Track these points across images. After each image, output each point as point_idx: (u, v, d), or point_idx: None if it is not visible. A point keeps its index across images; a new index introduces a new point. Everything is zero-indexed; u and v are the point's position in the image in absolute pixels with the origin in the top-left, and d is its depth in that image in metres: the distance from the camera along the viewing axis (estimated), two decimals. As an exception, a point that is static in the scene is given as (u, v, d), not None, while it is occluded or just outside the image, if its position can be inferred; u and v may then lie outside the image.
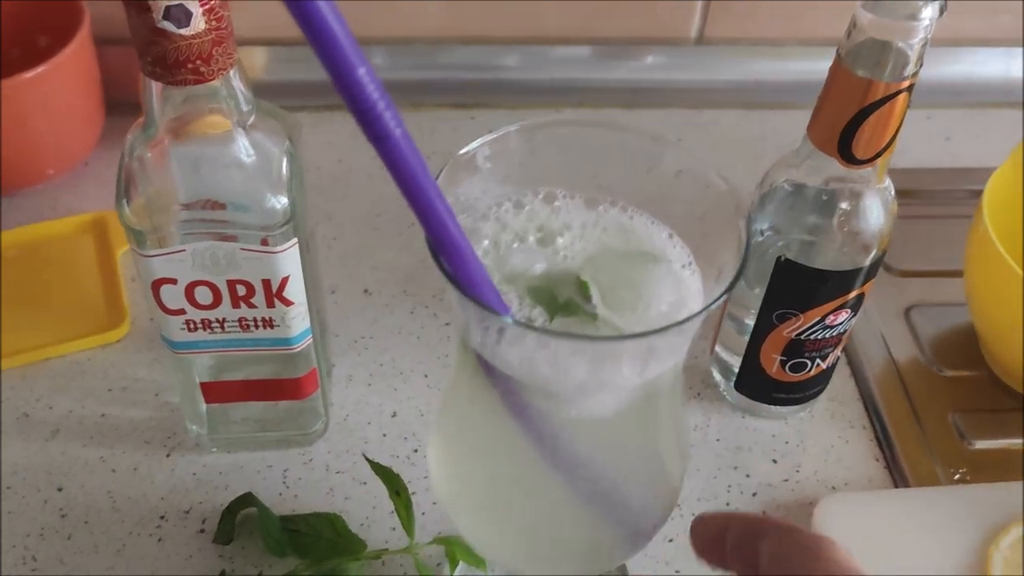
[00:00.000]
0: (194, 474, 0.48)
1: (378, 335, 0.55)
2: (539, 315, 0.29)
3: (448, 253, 0.26)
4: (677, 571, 0.46)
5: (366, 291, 0.58)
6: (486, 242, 0.31)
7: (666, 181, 0.31)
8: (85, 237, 0.59)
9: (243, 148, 0.38)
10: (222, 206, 0.38)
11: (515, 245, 0.31)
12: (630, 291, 0.30)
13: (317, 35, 0.20)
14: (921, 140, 0.72)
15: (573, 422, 0.30)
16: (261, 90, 0.70)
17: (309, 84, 0.71)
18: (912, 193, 0.67)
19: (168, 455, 0.49)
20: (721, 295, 0.26)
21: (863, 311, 0.58)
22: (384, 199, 0.63)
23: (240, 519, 0.46)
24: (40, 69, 0.57)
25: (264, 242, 0.39)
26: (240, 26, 0.70)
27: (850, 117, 0.39)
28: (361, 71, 0.21)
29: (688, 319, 0.25)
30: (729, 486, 0.50)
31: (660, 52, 0.73)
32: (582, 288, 0.29)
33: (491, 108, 0.71)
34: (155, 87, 0.35)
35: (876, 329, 0.58)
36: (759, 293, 0.47)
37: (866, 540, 0.46)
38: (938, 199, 0.67)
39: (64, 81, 0.59)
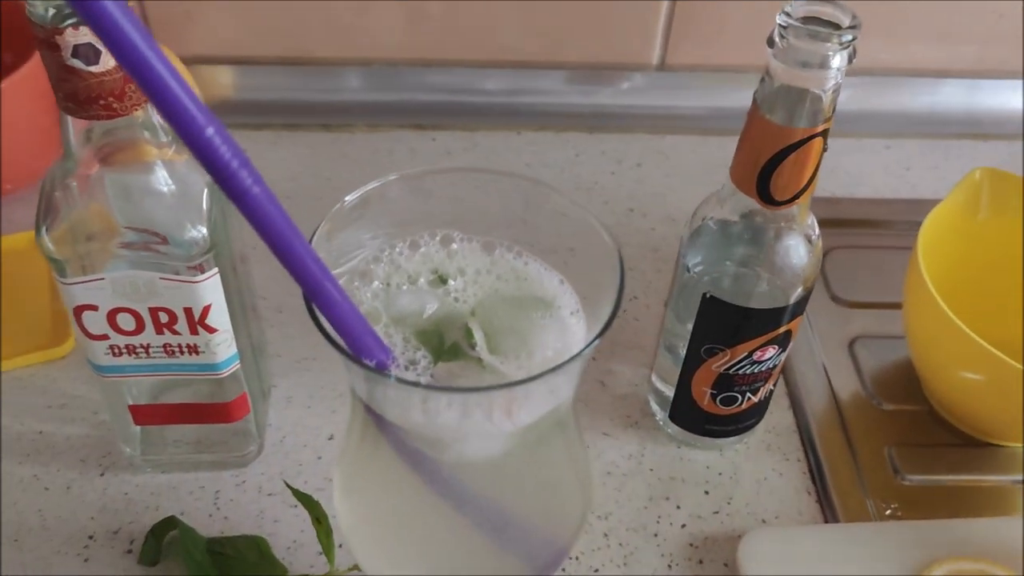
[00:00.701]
0: (126, 494, 0.49)
1: (320, 356, 0.56)
2: (422, 358, 0.29)
3: (320, 304, 0.26)
4: (600, 602, 0.46)
5: (312, 312, 0.58)
6: (376, 283, 0.31)
7: (552, 226, 0.31)
8: (37, 253, 0.59)
9: (163, 179, 0.38)
10: (162, 237, 0.39)
11: (404, 287, 0.31)
12: (516, 337, 0.30)
13: (163, 102, 0.21)
14: (879, 170, 0.72)
15: (461, 464, 0.30)
16: (225, 108, 0.72)
17: (272, 103, 0.72)
18: (866, 223, 0.68)
19: (102, 474, 0.50)
20: (585, 348, 0.26)
21: (805, 342, 0.59)
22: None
23: (168, 540, 0.47)
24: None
25: (184, 271, 0.39)
26: (204, 45, 0.71)
27: (766, 160, 0.40)
28: (210, 131, 0.22)
29: (532, 378, 0.25)
30: (659, 517, 0.50)
31: (622, 78, 0.74)
32: (467, 333, 0.30)
33: (450, 130, 0.71)
34: (71, 122, 0.36)
35: (818, 360, 0.58)
36: (690, 328, 0.48)
37: (790, 574, 0.46)
38: (893, 229, 0.67)
39: (22, 98, 0.60)
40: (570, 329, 0.31)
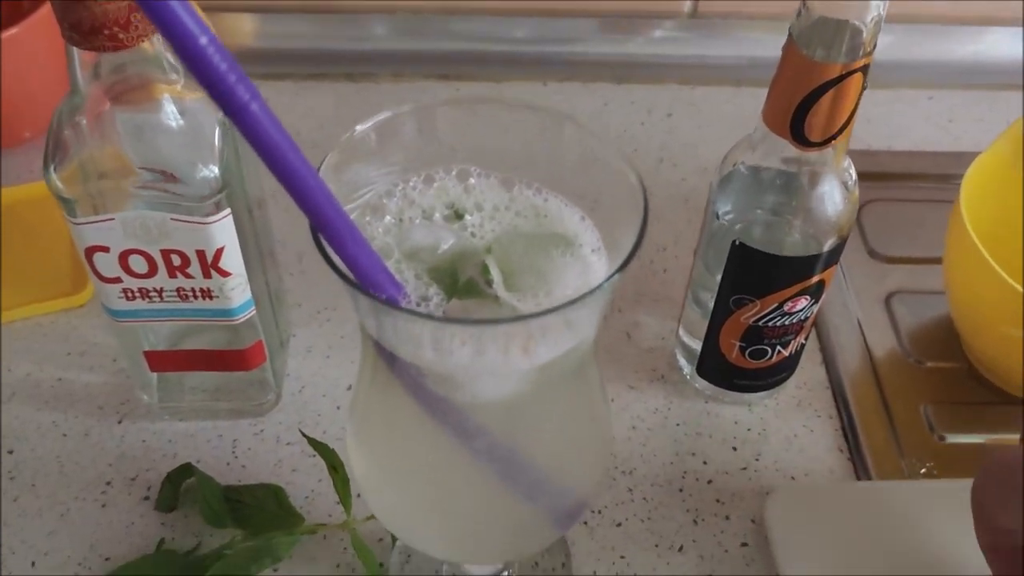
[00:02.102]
0: (144, 441, 0.48)
1: (340, 306, 0.55)
2: (435, 294, 0.28)
3: (327, 234, 0.25)
4: (623, 557, 0.45)
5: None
6: (388, 218, 0.30)
7: (574, 161, 0.29)
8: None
9: (173, 117, 0.37)
10: (174, 177, 0.38)
11: (418, 221, 0.30)
12: (534, 275, 0.29)
13: (153, 8, 0.19)
14: (920, 122, 0.70)
15: (475, 406, 0.29)
16: (247, 57, 0.70)
17: (295, 52, 0.71)
18: (905, 176, 0.65)
19: (120, 421, 0.49)
20: (603, 282, 0.25)
21: (840, 297, 0.57)
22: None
23: (185, 488, 0.46)
24: (14, 30, 0.57)
25: (196, 212, 0.38)
26: (228, -7, 0.70)
27: (801, 98, 0.38)
28: (203, 40, 0.20)
29: (549, 311, 0.24)
30: (684, 472, 0.49)
31: (653, 26, 0.71)
32: (483, 270, 0.29)
33: (476, 80, 0.70)
34: (78, 54, 0.35)
35: (853, 316, 0.56)
36: (719, 278, 0.46)
37: (819, 532, 0.44)
38: (933, 182, 0.65)
39: (40, 43, 0.59)
40: (591, 267, 0.29)
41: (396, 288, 0.27)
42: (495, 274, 0.28)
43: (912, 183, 0.65)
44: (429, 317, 0.26)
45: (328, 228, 0.25)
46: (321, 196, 0.24)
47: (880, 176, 0.64)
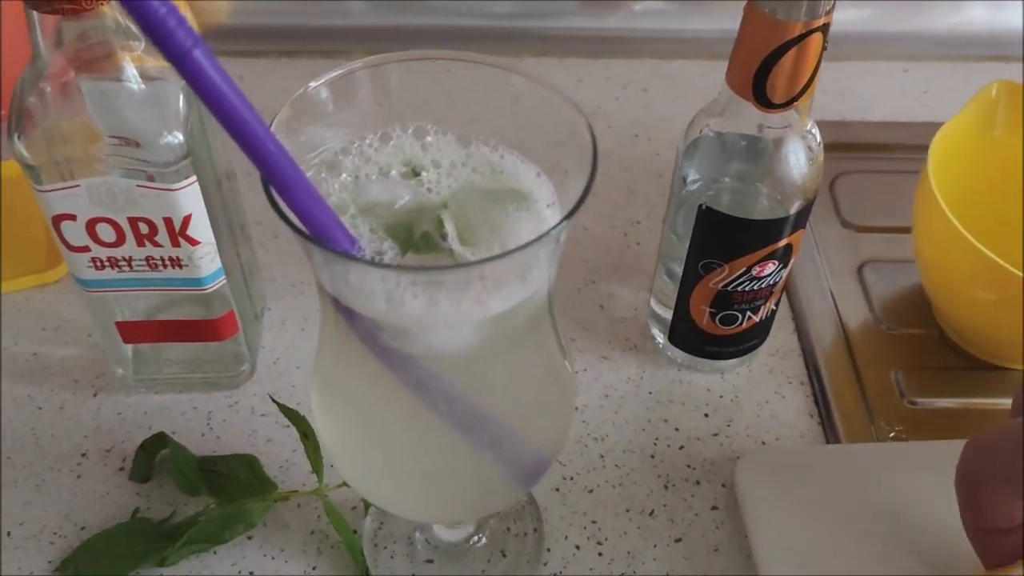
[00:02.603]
0: (119, 414, 0.49)
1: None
2: (389, 249, 0.28)
3: (277, 184, 0.25)
4: (594, 521, 0.46)
5: (308, 237, 0.57)
6: (344, 175, 0.30)
7: (524, 113, 0.30)
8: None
9: (135, 82, 0.37)
10: (138, 143, 0.38)
11: (374, 178, 0.30)
12: (489, 229, 0.29)
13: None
14: (895, 93, 0.70)
15: (432, 358, 0.29)
16: (221, 35, 0.70)
17: (269, 29, 0.71)
18: (878, 147, 0.66)
19: (95, 395, 0.49)
20: (555, 227, 0.25)
21: (812, 266, 0.57)
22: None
23: (160, 458, 0.46)
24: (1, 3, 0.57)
25: (162, 179, 0.38)
26: (202, -30, 0.70)
27: (763, 58, 0.38)
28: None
29: (507, 253, 0.24)
30: (656, 439, 0.49)
31: (628, 1, 0.71)
32: (438, 224, 0.29)
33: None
34: (38, 20, 0.35)
35: (825, 285, 0.57)
36: (688, 246, 0.46)
37: (789, 494, 0.45)
38: (906, 153, 0.65)
39: (15, 16, 0.59)
40: (547, 221, 0.29)
41: (350, 241, 0.27)
42: (450, 228, 0.29)
43: (885, 154, 0.65)
44: (380, 265, 0.26)
45: (278, 178, 0.25)
46: (270, 145, 0.24)
47: (853, 147, 0.65)
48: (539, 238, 0.25)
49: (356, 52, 0.70)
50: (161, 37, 0.21)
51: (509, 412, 0.32)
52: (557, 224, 0.25)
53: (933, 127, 0.65)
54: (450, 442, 0.32)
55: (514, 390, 0.32)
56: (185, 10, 0.62)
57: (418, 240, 0.29)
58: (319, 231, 0.26)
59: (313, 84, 0.29)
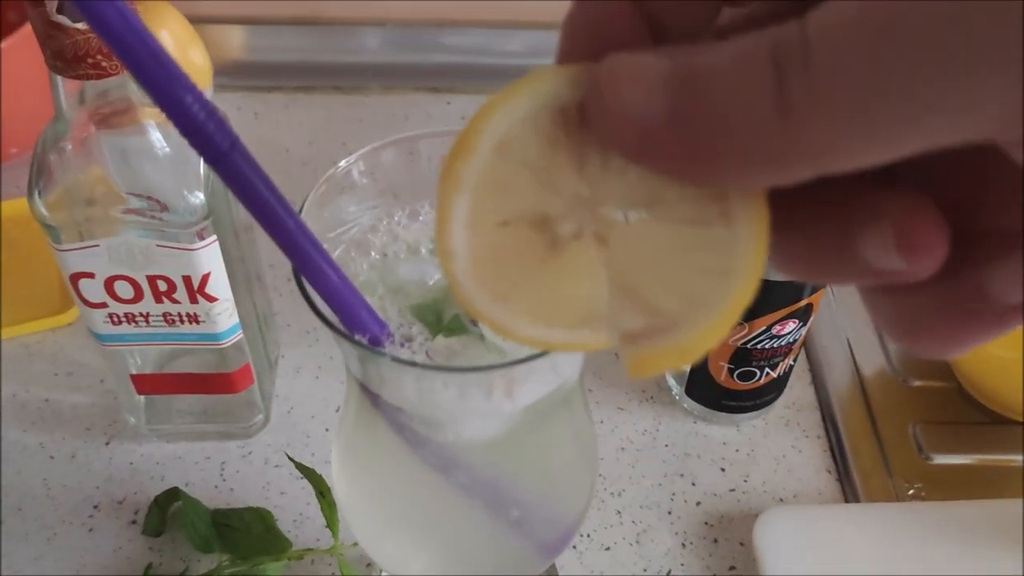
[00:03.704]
0: (131, 464, 0.48)
1: (330, 326, 0.55)
2: (419, 334, 0.28)
3: (309, 276, 0.25)
4: (611, 580, 0.45)
5: (322, 280, 0.57)
6: (373, 254, 0.30)
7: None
8: (44, 218, 0.59)
9: (158, 143, 0.37)
10: (161, 203, 0.38)
11: (403, 256, 0.29)
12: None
13: (127, 61, 0.19)
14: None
15: (459, 445, 0.29)
16: (236, 70, 0.70)
17: (283, 65, 0.71)
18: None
19: (107, 443, 0.49)
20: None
21: (829, 316, 0.57)
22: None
23: (173, 511, 0.46)
24: (1, 44, 0.56)
25: (182, 238, 0.38)
26: (214, 4, 0.70)
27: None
28: (187, 98, 0.20)
29: (531, 357, 0.23)
30: (673, 494, 0.49)
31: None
32: (467, 307, 0.28)
33: (466, 93, 0.70)
34: (62, 81, 0.34)
35: (843, 335, 0.56)
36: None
37: (807, 555, 0.44)
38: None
39: (26, 57, 0.58)
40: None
41: (380, 326, 0.27)
42: (479, 311, 0.28)
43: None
44: (413, 364, 0.25)
45: (309, 269, 0.25)
46: (302, 238, 0.24)
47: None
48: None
49: (371, 87, 0.70)
50: (200, 142, 0.21)
51: (537, 490, 0.32)
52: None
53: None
54: (472, 518, 0.32)
55: (542, 468, 0.31)
56: (199, 47, 0.62)
57: (448, 323, 0.28)
58: (349, 318, 0.26)
59: (343, 163, 0.28)
